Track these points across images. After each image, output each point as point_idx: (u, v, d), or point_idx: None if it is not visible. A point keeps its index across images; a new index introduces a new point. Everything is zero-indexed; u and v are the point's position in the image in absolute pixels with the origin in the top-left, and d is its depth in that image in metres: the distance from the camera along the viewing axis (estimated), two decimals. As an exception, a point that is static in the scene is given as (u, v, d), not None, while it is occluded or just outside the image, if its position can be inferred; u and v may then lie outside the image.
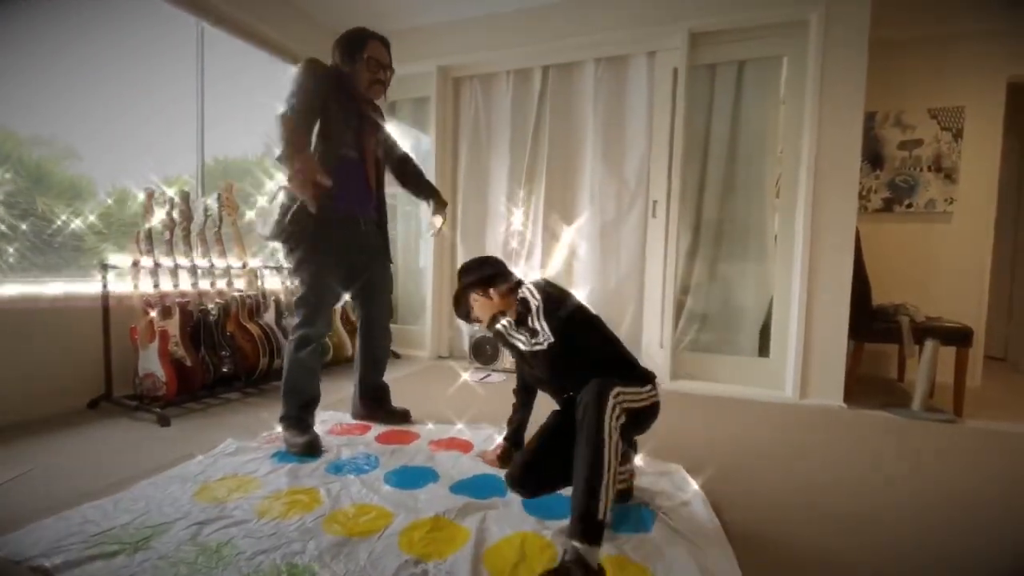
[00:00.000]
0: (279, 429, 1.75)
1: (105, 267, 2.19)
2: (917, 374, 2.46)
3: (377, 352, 2.03)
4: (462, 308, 1.44)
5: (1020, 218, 3.80)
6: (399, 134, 2.12)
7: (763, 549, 1.18)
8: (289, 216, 1.63)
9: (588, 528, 0.98)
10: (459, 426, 1.99)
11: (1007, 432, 2.18)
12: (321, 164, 1.56)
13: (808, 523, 1.32)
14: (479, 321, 1.41)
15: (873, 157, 3.18)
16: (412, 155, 2.10)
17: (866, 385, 2.90)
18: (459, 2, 3.07)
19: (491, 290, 1.36)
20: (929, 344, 2.44)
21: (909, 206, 3.15)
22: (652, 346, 2.95)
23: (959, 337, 2.44)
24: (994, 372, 3.41)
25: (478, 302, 1.39)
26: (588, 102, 3.10)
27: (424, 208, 3.49)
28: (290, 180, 1.50)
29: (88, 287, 2.21)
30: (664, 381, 2.84)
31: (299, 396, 1.73)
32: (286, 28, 3.08)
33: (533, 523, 1.22)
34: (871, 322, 2.62)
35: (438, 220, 2.00)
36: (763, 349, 2.79)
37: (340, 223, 1.72)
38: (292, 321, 1.78)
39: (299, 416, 1.73)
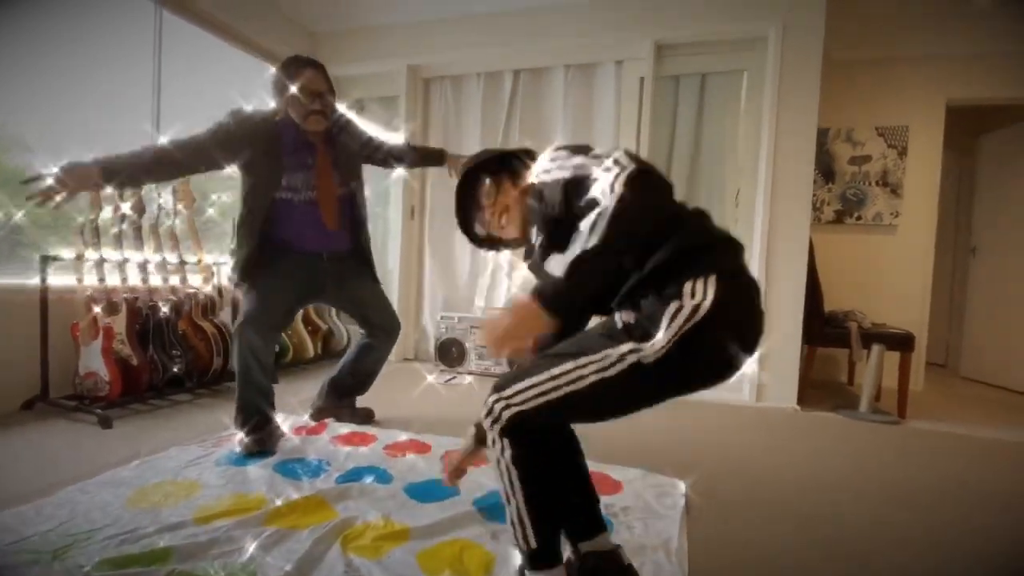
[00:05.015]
0: (229, 431, 1.69)
1: (45, 259, 2.06)
2: (864, 377, 2.57)
3: (370, 364, 1.98)
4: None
5: (959, 232, 4.04)
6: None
7: (715, 542, 1.21)
8: (244, 256, 1.71)
9: (525, 556, 0.91)
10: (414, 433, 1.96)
11: (945, 432, 2.30)
12: (257, 210, 1.69)
13: (760, 519, 1.36)
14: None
15: (826, 171, 3.33)
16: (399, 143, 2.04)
17: (818, 388, 3.01)
18: (431, 1, 3.06)
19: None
20: (875, 349, 2.55)
21: (859, 218, 3.30)
22: (616, 350, 2.97)
23: (902, 342, 2.57)
24: (936, 377, 3.59)
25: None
26: (558, 108, 3.14)
27: (393, 211, 3.47)
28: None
29: (26, 280, 2.08)
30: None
31: (244, 390, 1.68)
32: (250, 18, 2.99)
33: (478, 529, 1.19)
34: (823, 327, 2.73)
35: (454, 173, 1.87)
36: (722, 353, 2.85)
37: (297, 261, 1.74)
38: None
39: (247, 410, 1.67)
